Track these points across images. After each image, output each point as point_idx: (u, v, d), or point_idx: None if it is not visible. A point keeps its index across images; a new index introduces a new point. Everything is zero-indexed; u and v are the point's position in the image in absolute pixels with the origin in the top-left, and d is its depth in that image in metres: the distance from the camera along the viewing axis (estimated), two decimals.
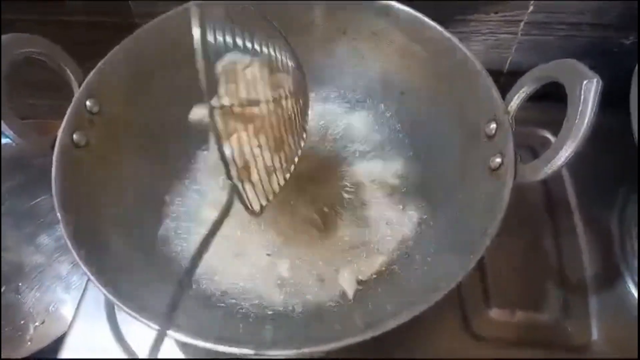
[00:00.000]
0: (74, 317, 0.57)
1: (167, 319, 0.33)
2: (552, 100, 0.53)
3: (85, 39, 0.62)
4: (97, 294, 0.57)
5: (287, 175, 0.44)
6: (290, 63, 0.46)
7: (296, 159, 0.45)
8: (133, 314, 0.38)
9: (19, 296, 0.71)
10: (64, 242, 0.72)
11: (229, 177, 0.36)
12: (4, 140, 0.85)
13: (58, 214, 0.42)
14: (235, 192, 0.37)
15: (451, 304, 0.56)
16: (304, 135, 0.47)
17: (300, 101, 0.45)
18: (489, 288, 0.57)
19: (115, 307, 0.56)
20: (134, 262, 0.47)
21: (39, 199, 0.80)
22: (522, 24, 0.67)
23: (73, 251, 0.41)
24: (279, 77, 0.46)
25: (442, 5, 0.62)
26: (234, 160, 0.40)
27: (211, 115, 0.35)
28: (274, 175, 0.42)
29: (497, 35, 0.69)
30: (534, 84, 0.46)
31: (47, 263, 0.74)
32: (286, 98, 0.43)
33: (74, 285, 0.72)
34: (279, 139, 0.43)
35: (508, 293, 0.57)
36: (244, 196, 0.38)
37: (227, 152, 0.37)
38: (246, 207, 0.39)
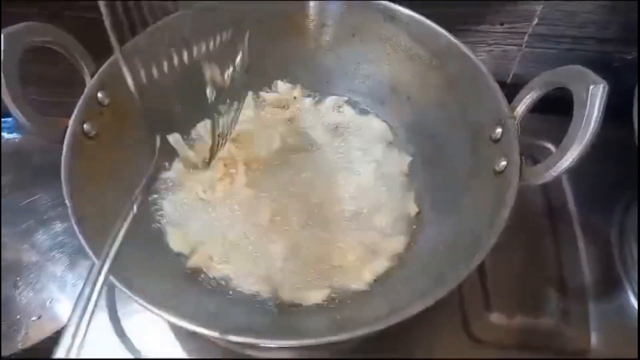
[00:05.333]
0: (73, 310, 0.56)
1: None
2: (553, 111, 0.54)
3: (94, 35, 0.62)
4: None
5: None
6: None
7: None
8: (139, 300, 0.39)
9: (17, 291, 0.70)
10: (61, 240, 0.74)
11: None
12: (5, 135, 0.86)
13: (66, 201, 0.42)
14: None
15: (452, 308, 0.56)
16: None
17: None
18: (490, 292, 0.58)
19: (116, 300, 0.56)
20: (137, 249, 0.47)
21: (36, 196, 0.80)
22: (526, 36, 0.68)
23: (80, 237, 0.40)
24: None
25: (449, 14, 0.63)
26: None
27: None
28: None
29: (502, 47, 0.70)
30: (540, 90, 0.46)
31: (42, 261, 0.73)
32: None
33: (69, 284, 0.71)
34: None
35: (508, 298, 0.57)
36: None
37: None
38: None
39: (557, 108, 0.52)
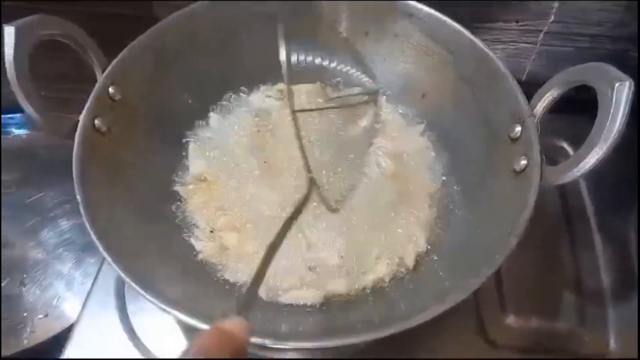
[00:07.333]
0: (82, 308, 0.56)
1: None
2: (569, 111, 0.53)
3: (103, 31, 0.61)
4: (106, 285, 0.57)
5: None
6: None
7: None
8: (150, 297, 0.38)
9: (24, 288, 0.69)
10: (67, 238, 0.74)
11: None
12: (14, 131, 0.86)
13: (77, 196, 0.41)
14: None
15: (467, 310, 0.55)
16: None
17: None
18: (505, 295, 0.57)
19: (126, 298, 0.55)
20: (148, 245, 0.47)
21: (42, 193, 0.79)
22: (541, 34, 0.67)
23: (92, 233, 0.40)
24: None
25: (463, 12, 0.62)
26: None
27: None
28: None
29: (517, 45, 0.69)
30: (561, 88, 0.45)
31: (48, 259, 0.73)
32: None
33: (76, 283, 0.71)
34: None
35: (524, 300, 0.56)
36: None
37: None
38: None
39: (572, 107, 0.51)
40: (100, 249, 0.39)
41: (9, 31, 0.41)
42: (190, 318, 0.37)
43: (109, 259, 0.39)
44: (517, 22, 0.66)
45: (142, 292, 0.38)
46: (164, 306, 0.37)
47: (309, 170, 0.49)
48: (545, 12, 0.65)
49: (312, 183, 0.47)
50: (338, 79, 0.62)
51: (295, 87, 0.61)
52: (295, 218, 0.41)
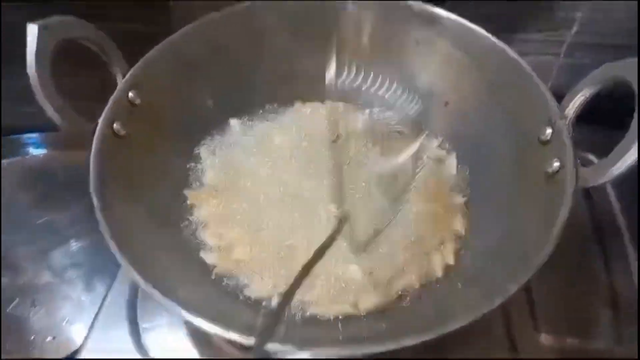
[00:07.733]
0: (91, 326, 0.54)
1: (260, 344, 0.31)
2: (594, 122, 0.51)
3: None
4: (118, 300, 0.56)
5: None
6: None
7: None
8: (169, 304, 0.36)
9: (34, 309, 0.67)
10: (76, 260, 0.72)
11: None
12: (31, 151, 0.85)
13: (93, 199, 0.40)
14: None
15: (498, 327, 0.52)
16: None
17: None
18: (537, 312, 0.53)
19: (138, 315, 0.53)
20: (161, 253, 0.46)
21: (54, 214, 0.78)
22: (565, 45, 0.66)
23: (106, 236, 0.38)
24: None
25: (482, 21, 0.61)
26: None
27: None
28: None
29: (539, 57, 0.68)
30: (594, 87, 0.44)
31: (58, 282, 0.71)
32: None
33: (84, 305, 0.69)
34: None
35: (556, 317, 0.53)
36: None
37: None
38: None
39: (597, 118, 0.50)
40: (117, 254, 0.38)
41: (32, 29, 0.40)
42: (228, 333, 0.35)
43: (124, 263, 0.37)
44: (540, 31, 0.65)
45: (161, 299, 0.36)
46: (185, 313, 0.35)
47: (341, 204, 0.47)
48: (570, 21, 0.63)
49: (344, 218, 0.45)
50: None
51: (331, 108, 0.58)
52: (323, 252, 0.40)
